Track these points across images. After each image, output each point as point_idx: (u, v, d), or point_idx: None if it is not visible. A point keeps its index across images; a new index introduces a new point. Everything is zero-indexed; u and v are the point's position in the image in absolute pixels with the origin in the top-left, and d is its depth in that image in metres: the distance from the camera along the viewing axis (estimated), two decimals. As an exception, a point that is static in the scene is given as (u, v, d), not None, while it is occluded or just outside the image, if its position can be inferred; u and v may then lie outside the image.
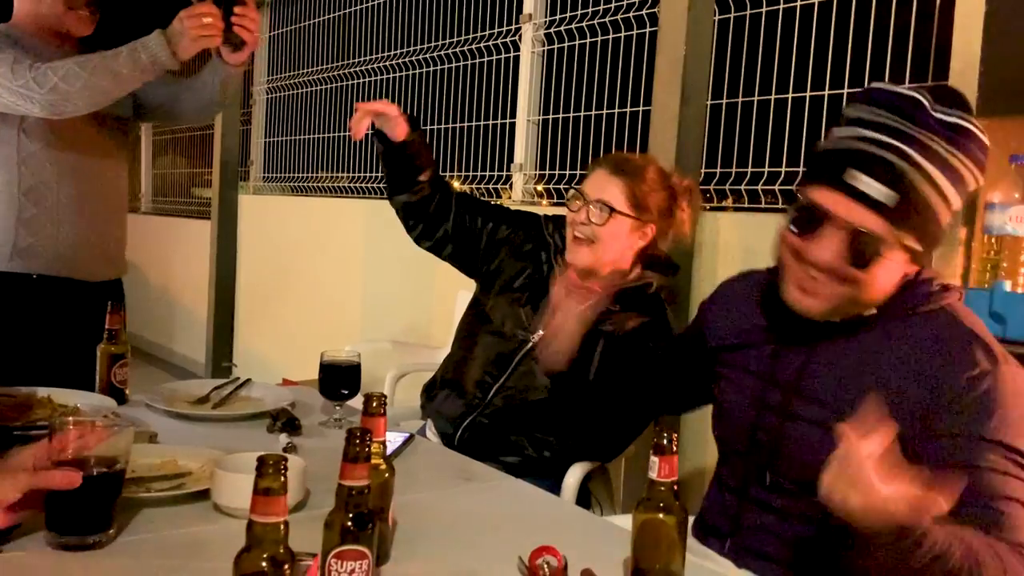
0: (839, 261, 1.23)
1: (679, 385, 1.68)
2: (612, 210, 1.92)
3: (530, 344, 1.99)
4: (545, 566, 1.07)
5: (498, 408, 1.99)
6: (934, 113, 1.21)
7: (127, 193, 2.43)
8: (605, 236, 1.93)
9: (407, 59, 4.10)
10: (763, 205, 2.59)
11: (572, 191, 2.01)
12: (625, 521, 1.18)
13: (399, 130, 2.05)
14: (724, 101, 2.65)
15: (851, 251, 1.22)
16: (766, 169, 2.56)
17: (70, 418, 1.50)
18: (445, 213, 2.13)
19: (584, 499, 1.99)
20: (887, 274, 1.25)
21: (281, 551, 0.89)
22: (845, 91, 2.36)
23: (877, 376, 1.26)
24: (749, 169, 2.60)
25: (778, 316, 1.38)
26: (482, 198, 2.28)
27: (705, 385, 1.55)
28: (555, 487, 1.87)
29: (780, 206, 2.48)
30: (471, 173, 3.73)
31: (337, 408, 1.78)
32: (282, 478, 0.89)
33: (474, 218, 2.15)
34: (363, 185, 4.41)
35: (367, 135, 2.08)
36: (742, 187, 2.61)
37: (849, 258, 1.22)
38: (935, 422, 1.19)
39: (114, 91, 1.99)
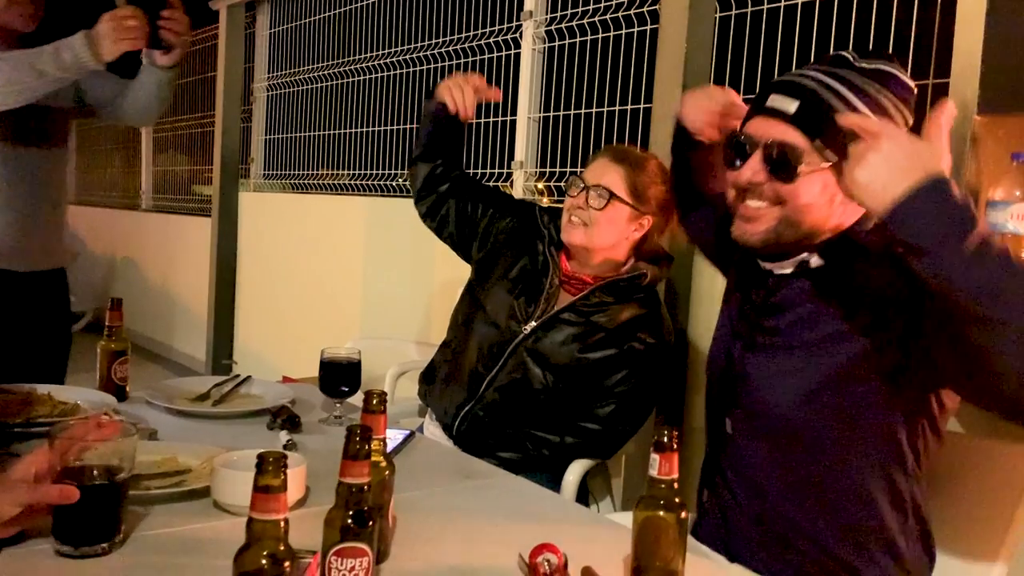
0: (761, 176, 1.31)
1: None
2: (611, 195, 1.92)
3: (522, 336, 1.99)
4: (545, 563, 1.07)
5: (492, 401, 1.99)
6: (856, 63, 1.31)
7: (66, 184, 2.43)
8: (601, 221, 1.94)
9: (408, 56, 4.10)
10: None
11: (572, 177, 2.03)
12: (625, 518, 1.18)
13: (472, 109, 2.12)
14: (725, 99, 2.64)
15: (769, 164, 1.31)
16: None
17: (71, 420, 1.51)
18: (453, 193, 2.18)
19: (582, 495, 1.99)
20: (813, 188, 1.30)
21: (281, 548, 0.89)
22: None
23: (833, 310, 1.32)
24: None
25: (739, 266, 1.49)
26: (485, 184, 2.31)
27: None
28: (554, 483, 1.87)
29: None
30: (472, 170, 3.72)
31: (337, 405, 1.78)
32: (282, 476, 0.89)
33: (476, 204, 2.18)
34: (364, 183, 4.41)
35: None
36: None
37: (769, 171, 1.31)
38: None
39: (38, 88, 2.00)
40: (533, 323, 1.99)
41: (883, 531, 1.33)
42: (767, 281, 1.42)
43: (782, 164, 1.30)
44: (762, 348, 1.41)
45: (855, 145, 1.14)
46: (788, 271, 1.39)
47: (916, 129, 1.33)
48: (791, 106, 1.29)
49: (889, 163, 1.09)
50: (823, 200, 1.31)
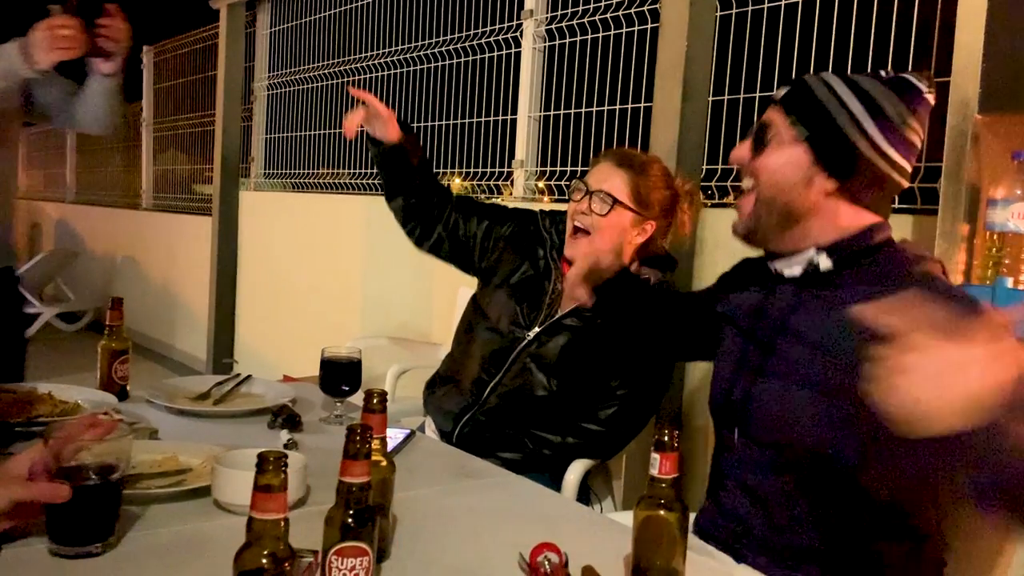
0: (746, 154, 1.38)
1: (679, 329, 1.74)
2: (615, 201, 1.92)
3: (525, 341, 1.99)
4: (546, 563, 1.07)
5: (494, 406, 1.99)
6: (878, 73, 1.34)
7: (13, 183, 2.42)
8: (605, 227, 1.93)
9: (408, 55, 4.10)
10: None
11: (575, 182, 2.01)
12: (626, 518, 1.18)
13: (390, 131, 2.05)
14: (726, 97, 2.64)
15: (752, 143, 1.37)
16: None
17: (67, 418, 1.51)
18: (440, 214, 2.14)
19: (583, 495, 1.98)
20: (780, 158, 1.33)
21: (281, 548, 0.89)
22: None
23: (855, 328, 1.24)
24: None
25: (753, 277, 1.49)
26: (478, 199, 2.28)
27: (703, 341, 1.61)
28: (555, 483, 1.86)
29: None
30: (472, 170, 3.73)
31: (338, 404, 1.78)
32: (282, 475, 0.89)
33: (468, 219, 2.15)
34: (364, 181, 4.41)
35: (362, 133, 2.09)
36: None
37: (751, 149, 1.37)
38: None
39: None
40: (536, 328, 1.99)
41: (903, 558, 1.31)
42: (784, 293, 1.39)
43: (759, 138, 1.37)
44: (771, 376, 1.37)
45: (881, 351, 0.89)
46: (797, 272, 1.37)
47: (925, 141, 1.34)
48: (781, 92, 1.37)
49: (939, 386, 0.86)
50: (796, 177, 1.32)
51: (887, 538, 1.30)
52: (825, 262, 1.33)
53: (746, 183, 1.40)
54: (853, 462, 1.27)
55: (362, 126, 2.09)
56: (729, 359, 1.48)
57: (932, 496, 1.29)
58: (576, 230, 1.96)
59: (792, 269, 1.37)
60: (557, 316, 1.99)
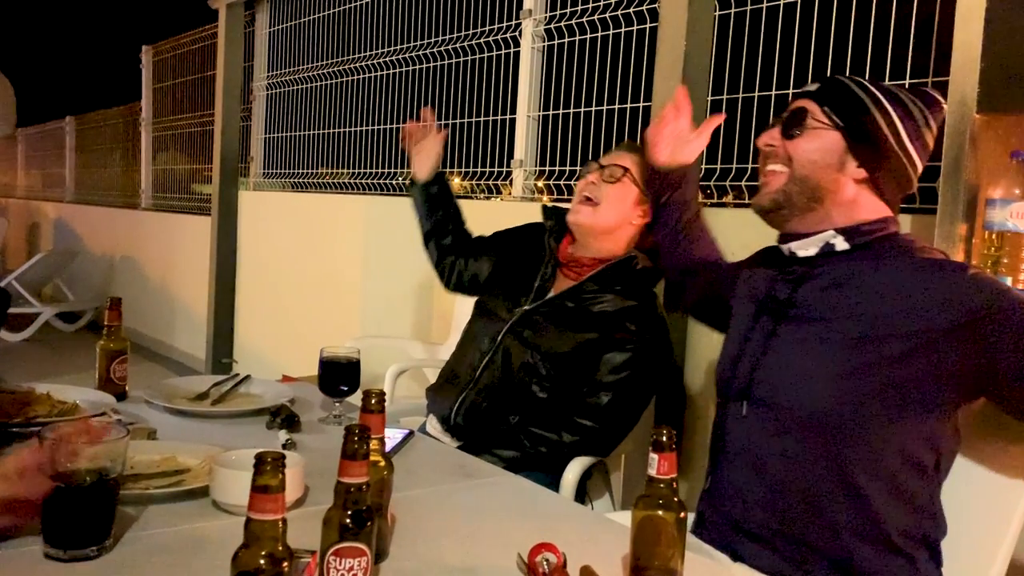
0: (775, 139, 1.45)
1: (704, 284, 1.80)
2: (625, 170, 2.01)
3: (514, 319, 2.03)
4: (544, 563, 1.07)
5: (486, 386, 2.02)
6: (903, 84, 1.44)
7: None
8: (612, 197, 2.01)
9: (407, 55, 4.10)
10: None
11: (590, 163, 2.11)
12: (624, 518, 1.18)
13: (433, 164, 2.27)
14: (724, 97, 2.64)
15: (783, 127, 1.45)
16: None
17: (65, 418, 1.51)
18: (461, 256, 2.30)
19: (579, 495, 1.98)
20: (817, 143, 1.40)
21: (279, 548, 0.89)
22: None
23: (864, 296, 1.34)
24: (750, 165, 2.59)
25: (767, 260, 1.54)
26: (485, 229, 2.41)
27: (719, 306, 1.68)
28: (554, 482, 1.86)
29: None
30: (471, 169, 3.72)
31: (336, 404, 1.78)
32: (280, 475, 0.89)
33: (480, 258, 2.28)
34: (363, 181, 4.41)
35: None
36: (743, 183, 2.61)
37: (782, 133, 1.44)
38: (959, 320, 1.25)
39: None
40: (526, 307, 2.03)
41: (897, 531, 1.31)
42: (793, 272, 1.45)
43: (792, 124, 1.43)
44: (782, 339, 1.42)
45: None
46: (812, 252, 1.42)
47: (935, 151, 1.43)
48: (814, 86, 1.45)
49: None
50: (830, 161, 1.40)
51: (884, 505, 1.31)
52: (842, 243, 1.40)
53: (774, 166, 1.45)
54: (857, 416, 1.31)
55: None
56: (740, 330, 1.52)
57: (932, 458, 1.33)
58: (585, 200, 2.03)
59: (807, 250, 1.43)
60: (547, 296, 2.04)
